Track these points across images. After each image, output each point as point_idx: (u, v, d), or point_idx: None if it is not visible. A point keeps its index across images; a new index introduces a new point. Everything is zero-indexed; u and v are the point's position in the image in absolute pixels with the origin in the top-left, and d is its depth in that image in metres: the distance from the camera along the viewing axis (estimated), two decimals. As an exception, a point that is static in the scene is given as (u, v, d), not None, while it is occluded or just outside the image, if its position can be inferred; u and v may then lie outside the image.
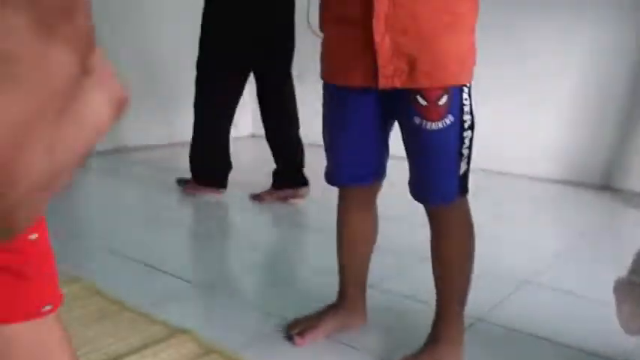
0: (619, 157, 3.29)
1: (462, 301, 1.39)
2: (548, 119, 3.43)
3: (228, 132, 2.84)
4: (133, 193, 3.17)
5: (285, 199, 2.84)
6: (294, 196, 2.84)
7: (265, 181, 2.90)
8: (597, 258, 2.27)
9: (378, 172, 1.44)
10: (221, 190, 2.89)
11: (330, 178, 1.47)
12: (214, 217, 2.78)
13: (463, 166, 1.29)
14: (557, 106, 3.41)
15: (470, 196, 1.36)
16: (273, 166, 2.86)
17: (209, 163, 2.87)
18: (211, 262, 2.16)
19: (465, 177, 1.31)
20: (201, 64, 2.74)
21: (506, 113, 3.50)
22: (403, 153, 1.34)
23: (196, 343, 1.46)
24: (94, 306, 1.65)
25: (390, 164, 1.45)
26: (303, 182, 2.82)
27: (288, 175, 2.83)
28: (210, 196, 2.90)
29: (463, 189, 1.32)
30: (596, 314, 1.77)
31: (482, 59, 1.36)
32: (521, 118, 3.50)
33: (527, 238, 2.45)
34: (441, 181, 1.31)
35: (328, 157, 1.46)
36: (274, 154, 2.85)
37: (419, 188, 1.34)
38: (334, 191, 1.52)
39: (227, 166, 2.89)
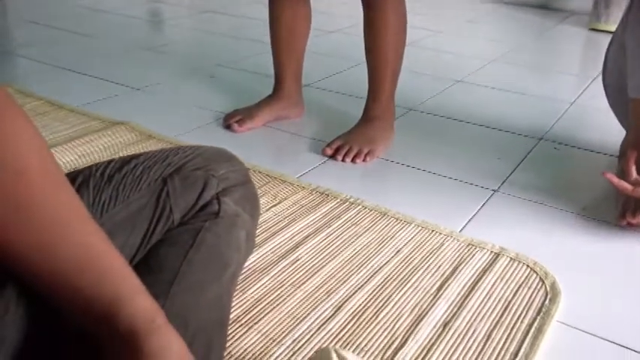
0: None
1: (394, 80, 1.43)
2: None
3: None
4: None
5: None
6: None
7: None
8: (531, 64, 2.35)
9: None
10: None
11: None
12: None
13: None
14: None
15: (409, 9, 1.38)
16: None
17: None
18: (153, 67, 2.11)
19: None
20: None
21: None
22: None
23: (134, 132, 1.48)
24: (27, 106, 1.62)
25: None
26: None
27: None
28: None
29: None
30: (528, 103, 1.86)
31: None
32: None
33: (466, 49, 2.49)
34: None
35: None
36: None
37: None
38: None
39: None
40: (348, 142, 1.38)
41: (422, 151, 1.44)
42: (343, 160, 1.35)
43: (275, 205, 1.16)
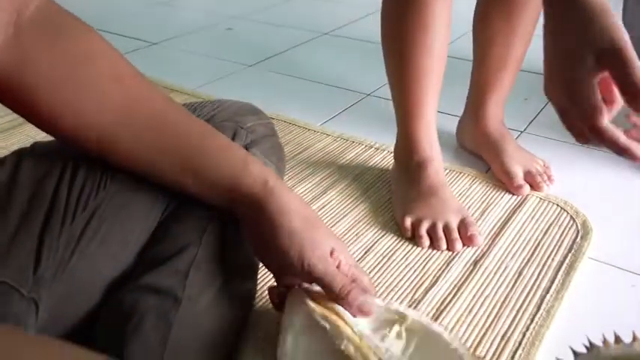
0: None
1: None
2: None
3: None
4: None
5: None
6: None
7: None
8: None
9: None
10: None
11: None
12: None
13: None
14: None
15: None
16: None
17: None
18: (169, 21, 2.09)
19: None
20: None
21: None
22: None
23: (155, 86, 1.47)
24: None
25: None
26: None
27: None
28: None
29: None
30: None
31: None
32: None
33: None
34: None
35: None
36: None
37: None
38: None
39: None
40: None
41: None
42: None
43: (300, 153, 1.15)
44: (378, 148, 1.16)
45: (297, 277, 0.61)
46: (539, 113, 1.31)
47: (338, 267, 0.61)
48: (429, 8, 0.89)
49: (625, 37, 0.56)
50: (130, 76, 0.60)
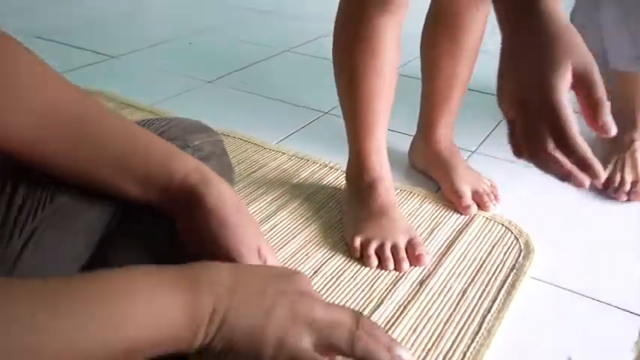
0: None
1: None
2: None
3: None
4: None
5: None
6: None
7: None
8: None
9: None
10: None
11: None
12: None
13: None
14: None
15: None
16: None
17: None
18: (129, 35, 2.08)
19: None
20: None
21: None
22: None
23: (111, 101, 1.46)
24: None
25: None
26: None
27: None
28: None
29: None
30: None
31: None
32: None
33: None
34: None
35: None
36: None
37: None
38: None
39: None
40: None
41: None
42: None
43: (255, 171, 1.16)
44: (332, 167, 1.18)
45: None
46: (490, 134, 1.35)
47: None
48: (379, 33, 0.92)
49: (592, 59, 0.58)
50: (50, 79, 0.59)
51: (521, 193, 1.12)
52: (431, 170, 1.14)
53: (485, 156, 1.25)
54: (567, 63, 0.58)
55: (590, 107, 0.57)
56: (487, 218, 1.02)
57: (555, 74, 0.58)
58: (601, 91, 0.57)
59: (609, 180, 1.11)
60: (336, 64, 0.99)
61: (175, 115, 0.81)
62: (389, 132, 1.01)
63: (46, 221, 0.59)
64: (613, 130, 0.56)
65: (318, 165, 1.19)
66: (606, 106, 0.57)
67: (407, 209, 1.05)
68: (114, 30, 2.13)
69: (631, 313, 0.84)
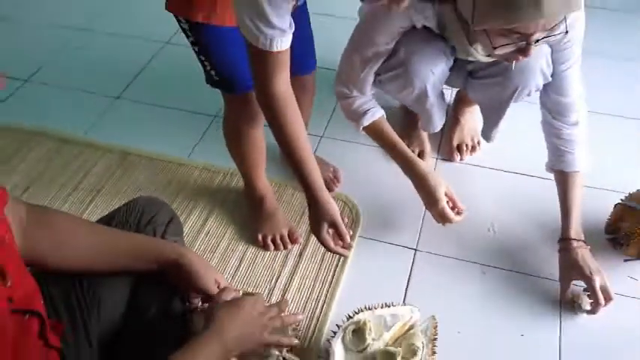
0: None
1: None
2: None
3: None
4: None
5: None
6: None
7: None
8: None
9: None
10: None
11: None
12: None
13: None
14: None
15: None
16: None
17: None
18: None
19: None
20: None
21: None
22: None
23: None
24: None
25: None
26: None
27: None
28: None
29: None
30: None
31: None
32: None
33: None
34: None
35: None
36: None
37: None
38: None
39: None
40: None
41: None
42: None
43: (181, 190, 1.72)
44: (233, 174, 1.76)
45: (199, 294, 1.19)
46: (331, 117, 1.96)
47: (218, 287, 1.22)
48: (254, 133, 1.47)
49: None
50: (84, 226, 1.10)
51: (358, 169, 1.77)
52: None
53: (332, 139, 1.87)
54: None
55: None
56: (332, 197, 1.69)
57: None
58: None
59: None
60: (229, 147, 1.54)
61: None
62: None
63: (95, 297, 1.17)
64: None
65: (221, 174, 1.77)
66: None
67: (284, 199, 1.68)
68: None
69: (410, 249, 1.56)
